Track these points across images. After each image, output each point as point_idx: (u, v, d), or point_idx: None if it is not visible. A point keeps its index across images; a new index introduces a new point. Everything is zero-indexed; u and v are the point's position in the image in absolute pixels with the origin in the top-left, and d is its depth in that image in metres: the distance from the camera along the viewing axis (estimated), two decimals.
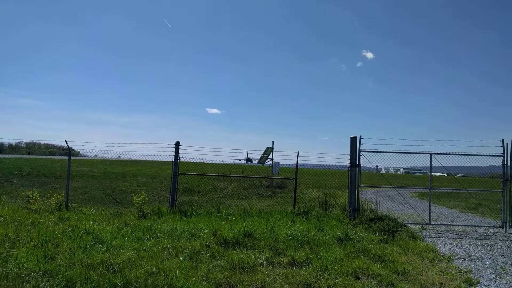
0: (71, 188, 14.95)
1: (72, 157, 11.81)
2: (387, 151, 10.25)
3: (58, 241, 6.30)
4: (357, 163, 10.29)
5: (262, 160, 22.26)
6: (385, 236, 7.89)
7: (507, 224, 10.12)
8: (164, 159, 12.10)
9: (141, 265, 5.22)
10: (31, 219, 8.20)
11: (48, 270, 4.87)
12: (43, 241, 6.18)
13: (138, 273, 4.87)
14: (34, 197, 10.04)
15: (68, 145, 11.54)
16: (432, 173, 10.97)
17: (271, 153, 20.67)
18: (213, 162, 12.77)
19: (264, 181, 19.35)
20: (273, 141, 20.71)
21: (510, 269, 6.29)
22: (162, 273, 4.98)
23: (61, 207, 9.98)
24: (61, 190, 14.72)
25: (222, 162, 14.22)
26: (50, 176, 19.96)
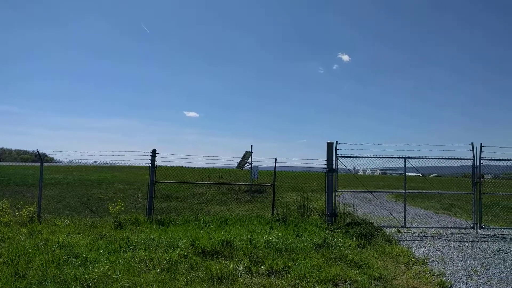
0: (44, 197, 14.49)
1: (45, 164, 11.44)
2: (363, 156, 10.45)
3: (30, 256, 6.08)
4: (334, 168, 10.43)
5: (241, 164, 22.26)
6: (362, 241, 8.02)
7: (478, 225, 10.49)
8: (141, 164, 11.91)
9: (117, 279, 5.10)
10: (0, 233, 7.88)
11: None
12: (13, 257, 5.95)
13: None
14: (4, 209, 9.62)
15: (39, 153, 11.19)
16: (408, 174, 11.24)
17: (250, 158, 20.68)
18: (192, 166, 12.66)
19: (243, 186, 19.34)
20: (251, 146, 20.74)
21: (480, 271, 6.52)
22: (138, 287, 4.89)
23: (33, 219, 9.63)
24: (33, 199, 14.24)
25: (200, 167, 14.13)
26: (21, 185, 19.28)
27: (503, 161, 10.86)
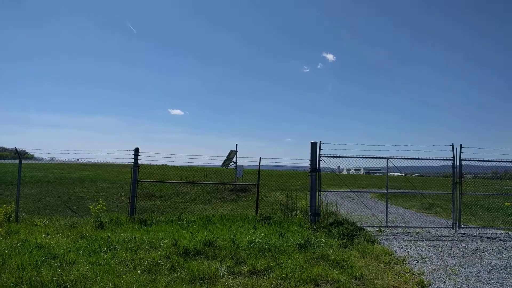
0: (23, 195, 14.13)
1: (26, 161, 11.16)
2: (347, 156, 10.52)
3: (5, 258, 5.91)
4: (318, 168, 10.48)
5: (226, 163, 22.19)
6: (344, 241, 8.09)
7: (457, 224, 10.71)
8: (124, 162, 11.72)
9: (96, 281, 5.01)
10: None
11: None
12: None
13: None
14: None
15: (17, 151, 10.90)
16: (391, 173, 11.38)
17: (235, 156, 20.64)
18: (176, 164, 12.53)
19: (228, 185, 19.28)
20: (236, 145, 20.69)
21: (458, 270, 6.66)
22: None
23: (10, 218, 9.38)
24: (12, 198, 13.86)
25: (185, 165, 14.02)
26: None
27: (482, 162, 11.10)
